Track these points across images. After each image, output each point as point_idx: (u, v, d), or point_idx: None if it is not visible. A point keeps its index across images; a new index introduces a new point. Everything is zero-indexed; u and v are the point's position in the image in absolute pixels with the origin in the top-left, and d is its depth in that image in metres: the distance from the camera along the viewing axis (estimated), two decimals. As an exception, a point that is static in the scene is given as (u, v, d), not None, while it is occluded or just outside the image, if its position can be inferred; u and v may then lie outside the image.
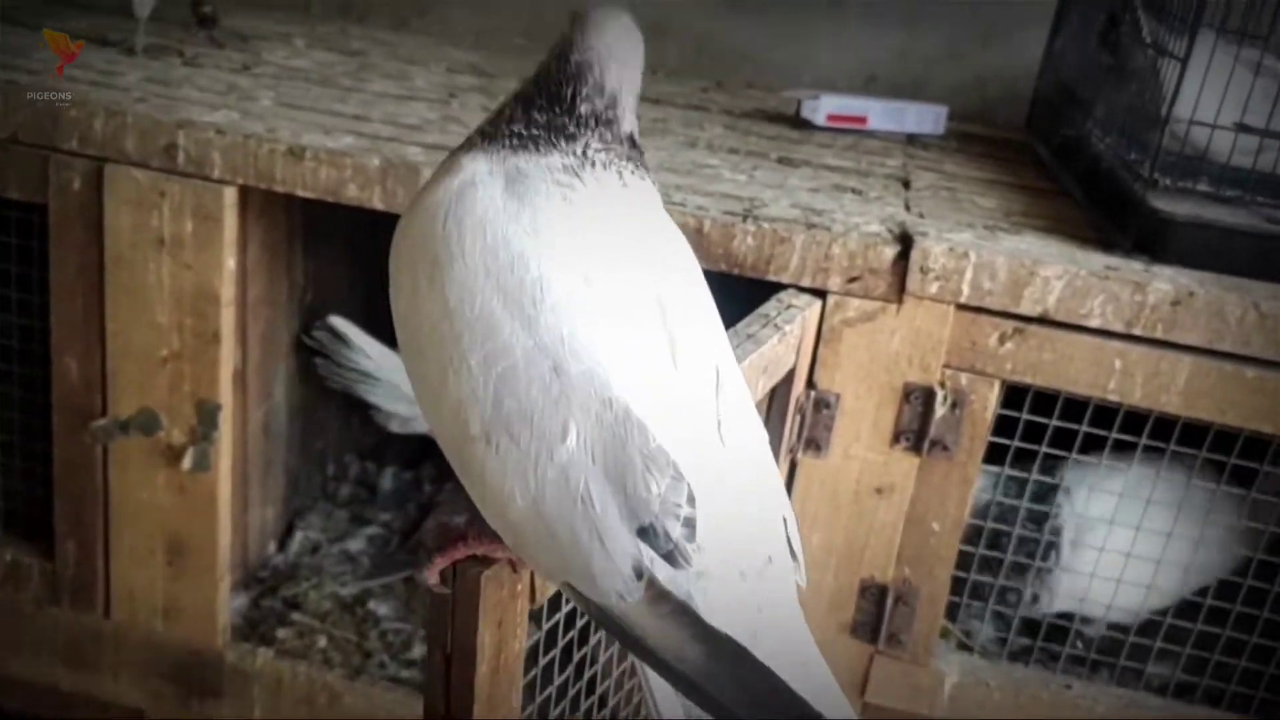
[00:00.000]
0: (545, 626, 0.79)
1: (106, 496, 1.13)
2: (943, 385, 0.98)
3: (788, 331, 0.91)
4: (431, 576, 0.62)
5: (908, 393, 0.98)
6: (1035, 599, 1.10)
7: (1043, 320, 0.95)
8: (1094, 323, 0.94)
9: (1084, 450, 1.01)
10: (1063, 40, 1.35)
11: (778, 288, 0.98)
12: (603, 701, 0.88)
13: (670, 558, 0.54)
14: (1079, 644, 1.11)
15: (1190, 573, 1.06)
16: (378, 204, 1.02)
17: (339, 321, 1.31)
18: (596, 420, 0.55)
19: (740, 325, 0.89)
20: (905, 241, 0.96)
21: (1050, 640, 1.08)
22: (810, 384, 0.99)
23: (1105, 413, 0.98)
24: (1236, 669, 1.05)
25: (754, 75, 1.54)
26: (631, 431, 0.55)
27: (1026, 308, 0.95)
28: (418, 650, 1.23)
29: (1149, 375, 0.94)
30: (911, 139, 1.35)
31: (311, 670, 1.18)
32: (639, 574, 0.54)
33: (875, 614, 1.05)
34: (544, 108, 0.64)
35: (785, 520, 0.61)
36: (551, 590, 0.68)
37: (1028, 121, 1.41)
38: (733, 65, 1.56)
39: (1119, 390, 0.95)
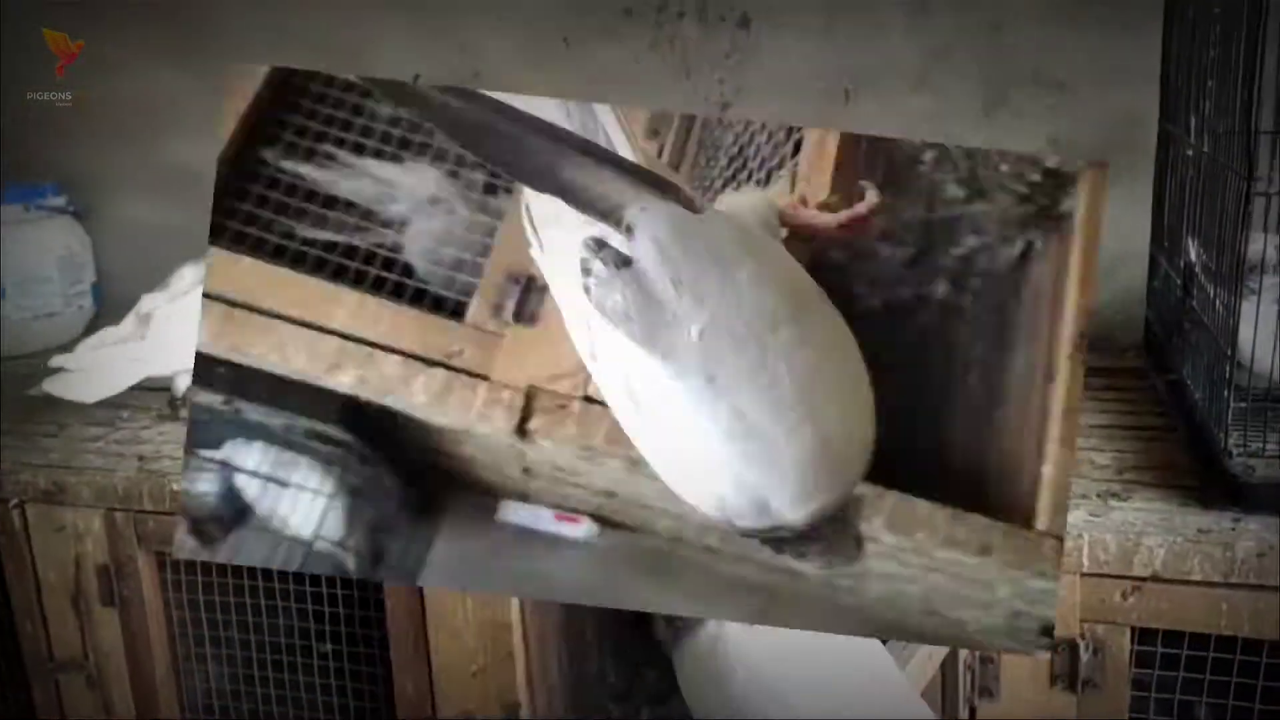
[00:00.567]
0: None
1: None
2: (1083, 637, 1.22)
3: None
4: None
5: (1055, 645, 1.23)
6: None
7: (1154, 579, 1.18)
8: (1196, 577, 1.17)
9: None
10: (1160, 280, 1.56)
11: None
12: None
13: None
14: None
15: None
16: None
17: None
18: None
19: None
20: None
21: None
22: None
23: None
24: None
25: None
26: None
27: (1138, 570, 1.18)
28: None
29: (1252, 613, 1.16)
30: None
31: None
32: None
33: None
34: None
35: None
36: None
37: (1145, 347, 1.62)
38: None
39: (1230, 626, 1.17)
